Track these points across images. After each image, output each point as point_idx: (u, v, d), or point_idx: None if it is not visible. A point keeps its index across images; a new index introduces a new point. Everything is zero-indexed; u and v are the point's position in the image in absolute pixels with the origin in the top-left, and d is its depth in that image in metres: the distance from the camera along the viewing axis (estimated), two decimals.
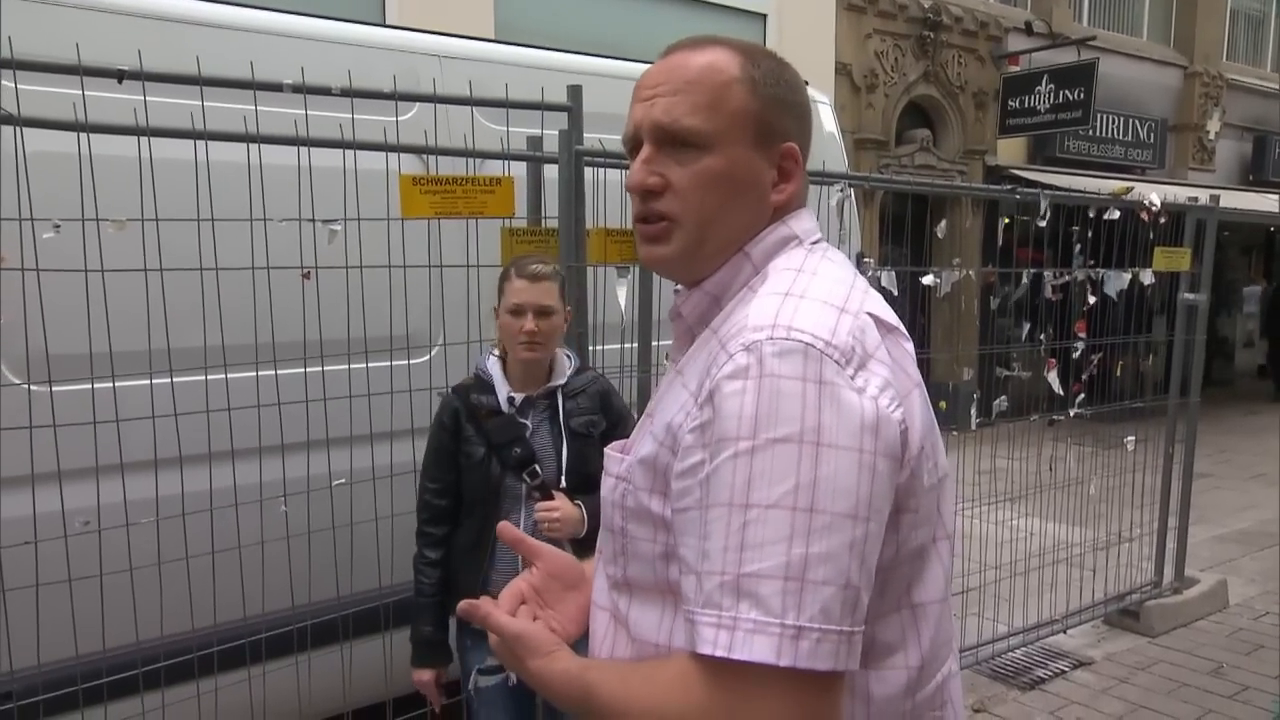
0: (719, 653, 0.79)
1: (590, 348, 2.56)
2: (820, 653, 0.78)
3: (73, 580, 1.96)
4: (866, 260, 3.53)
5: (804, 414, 0.81)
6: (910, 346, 0.97)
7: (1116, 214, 3.92)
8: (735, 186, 0.96)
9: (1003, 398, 3.83)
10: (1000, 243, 3.77)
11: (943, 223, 3.73)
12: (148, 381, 2.09)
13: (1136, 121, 10.83)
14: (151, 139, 1.95)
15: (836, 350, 0.84)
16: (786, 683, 0.78)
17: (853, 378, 0.84)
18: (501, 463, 2.08)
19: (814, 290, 0.90)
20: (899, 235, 7.36)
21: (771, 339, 0.84)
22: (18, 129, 1.82)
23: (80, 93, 1.83)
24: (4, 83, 1.85)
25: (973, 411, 3.70)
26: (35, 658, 1.94)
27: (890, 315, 0.96)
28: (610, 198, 2.57)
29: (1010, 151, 10.07)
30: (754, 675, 0.78)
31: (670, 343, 1.09)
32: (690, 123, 0.94)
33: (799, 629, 0.78)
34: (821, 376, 0.82)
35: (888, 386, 0.86)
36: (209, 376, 2.16)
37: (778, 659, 0.77)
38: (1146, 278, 4.06)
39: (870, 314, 0.91)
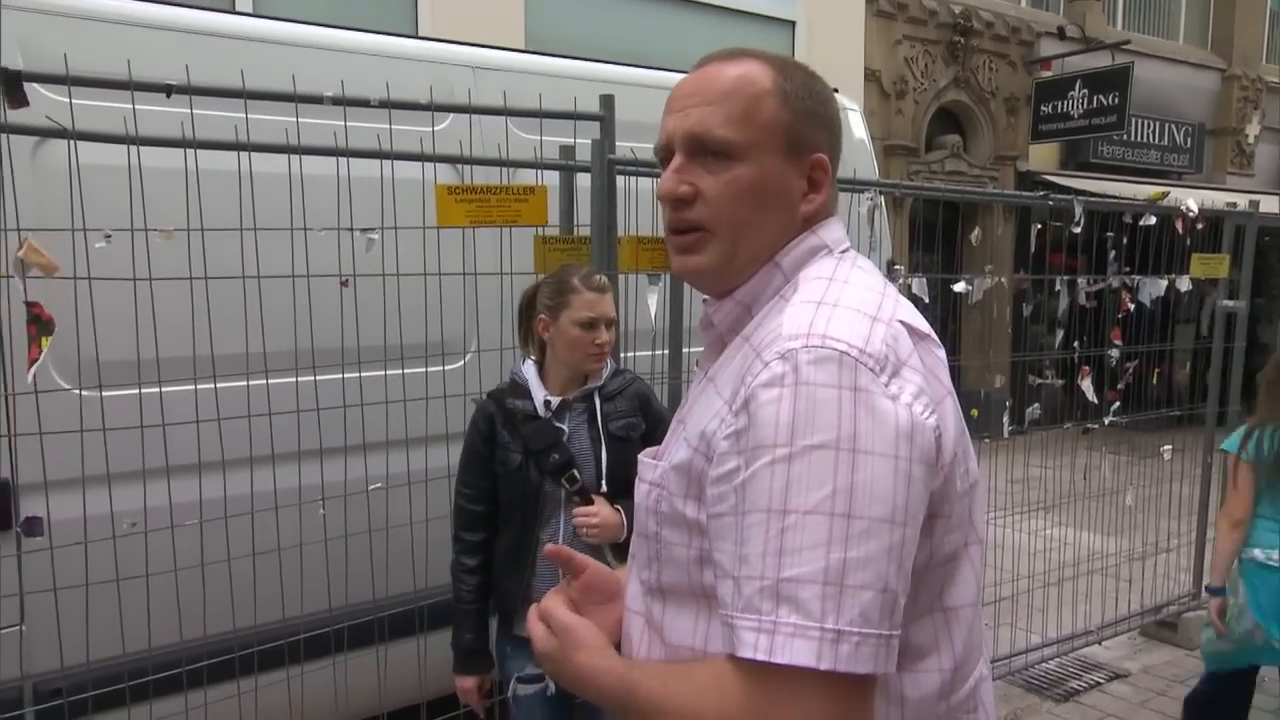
0: (759, 656, 0.80)
1: (622, 354, 2.58)
2: (860, 656, 0.79)
3: (121, 580, 2.02)
4: (897, 267, 3.52)
5: (840, 421, 0.82)
6: (942, 353, 0.98)
7: (1152, 220, 3.88)
8: (765, 196, 0.97)
9: (1035, 405, 3.80)
10: (1033, 249, 3.74)
11: (976, 230, 3.71)
12: (192, 387, 2.14)
13: (1173, 126, 10.66)
14: (197, 151, 2.00)
15: (870, 358, 0.85)
16: (825, 685, 0.79)
17: (887, 385, 0.85)
18: (539, 469, 2.07)
19: (847, 298, 0.91)
20: (929, 242, 7.31)
21: (807, 347, 0.85)
22: (71, 142, 1.89)
23: (131, 107, 1.89)
24: (59, 98, 1.92)
25: (1005, 419, 3.68)
26: (85, 655, 2.00)
27: (921, 323, 0.97)
28: (642, 206, 2.60)
29: (1042, 157, 9.96)
30: (793, 678, 0.80)
31: (700, 350, 1.11)
32: (723, 133, 0.95)
33: (839, 633, 0.79)
34: (856, 384, 0.83)
35: (921, 393, 0.87)
36: (250, 382, 2.21)
37: (818, 662, 0.78)
38: (1183, 284, 4.01)
39: (902, 321, 0.92)
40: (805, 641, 0.79)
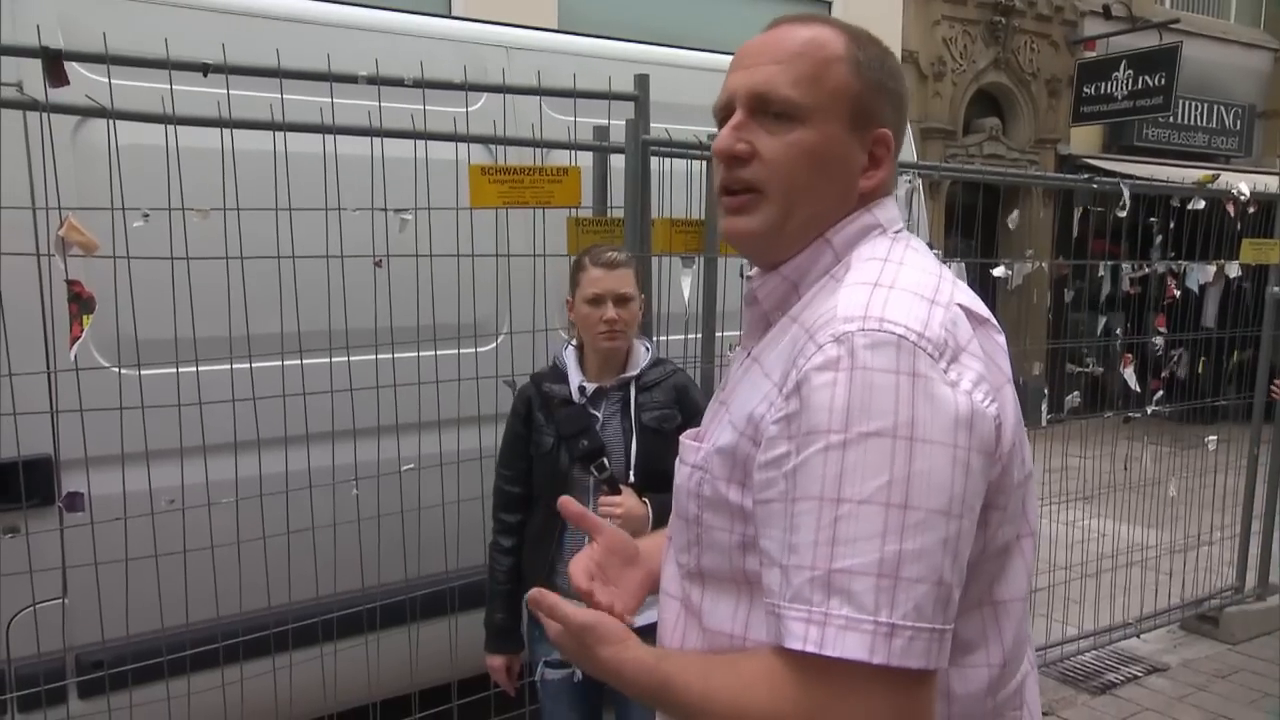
0: (810, 648, 0.78)
1: (654, 338, 2.56)
2: (913, 650, 0.77)
3: (159, 556, 2.05)
4: (935, 252, 3.45)
5: (897, 408, 0.79)
6: (1002, 339, 0.94)
7: (1201, 204, 3.77)
8: (824, 164, 0.94)
9: (1075, 393, 3.72)
10: (1076, 234, 3.65)
11: (1014, 213, 3.63)
12: (228, 366, 2.16)
13: (1222, 108, 10.36)
14: (234, 131, 2.01)
15: (929, 343, 0.82)
16: (879, 680, 0.77)
17: (946, 371, 0.82)
18: (569, 454, 2.06)
19: (903, 281, 0.88)
20: (966, 227, 7.18)
21: (863, 330, 0.82)
22: (110, 122, 1.90)
23: (169, 86, 1.89)
24: (98, 78, 1.93)
25: (1043, 407, 3.61)
26: (125, 629, 2.03)
27: (980, 307, 0.93)
28: (676, 187, 2.57)
29: (1084, 140, 9.74)
30: (845, 672, 0.77)
31: (737, 333, 1.08)
32: (789, 93, 0.92)
33: (892, 626, 0.76)
34: (915, 369, 0.80)
35: (981, 380, 0.84)
36: (285, 362, 2.23)
37: (871, 656, 0.76)
38: (1232, 270, 3.90)
39: (960, 305, 0.89)
40: (858, 635, 0.76)
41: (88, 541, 1.97)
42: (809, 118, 0.92)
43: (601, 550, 1.09)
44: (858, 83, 0.94)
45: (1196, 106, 10.09)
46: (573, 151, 2.47)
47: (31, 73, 1.86)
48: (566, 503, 1.11)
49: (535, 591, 0.96)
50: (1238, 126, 10.53)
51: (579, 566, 1.06)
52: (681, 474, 1.00)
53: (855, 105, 0.94)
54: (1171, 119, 9.54)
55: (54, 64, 1.80)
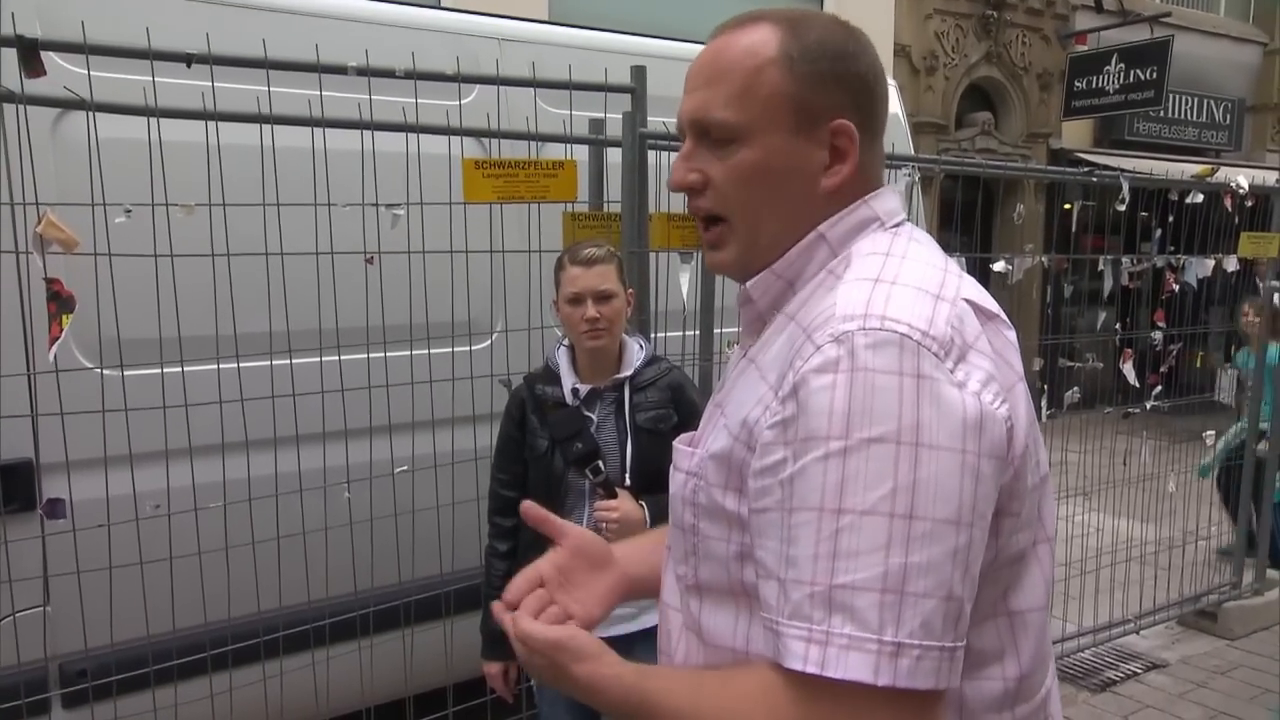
0: (810, 669, 0.73)
1: (652, 335, 2.51)
2: (921, 670, 0.73)
3: (144, 563, 1.99)
4: None
5: (901, 411, 0.74)
6: (1012, 335, 0.89)
7: (1200, 198, 3.75)
8: (773, 178, 0.90)
9: (1074, 389, 3.69)
10: (1074, 228, 3.63)
11: (1020, 208, 3.61)
12: (215, 366, 2.10)
13: (1212, 102, 10.38)
14: (219, 124, 1.94)
15: (934, 341, 0.78)
16: (884, 703, 0.73)
17: (952, 371, 0.77)
18: (564, 457, 2.02)
19: (906, 275, 0.83)
20: (957, 222, 7.15)
21: (864, 329, 0.77)
22: (90, 114, 1.83)
23: (151, 79, 1.83)
24: (77, 70, 1.86)
25: (1044, 403, 3.58)
26: (109, 637, 1.97)
27: (989, 301, 0.88)
28: None
29: (1075, 134, 9.74)
30: (848, 694, 0.73)
31: (737, 329, 1.04)
32: (721, 115, 0.89)
33: (898, 645, 0.72)
34: (919, 370, 0.76)
35: (990, 380, 0.80)
36: (274, 362, 2.17)
37: (875, 678, 0.72)
38: (1230, 264, 3.88)
39: (967, 300, 0.84)
40: (861, 655, 0.72)
41: (70, 548, 1.91)
42: (747, 136, 0.89)
43: (566, 553, 1.03)
44: (792, 83, 0.88)
45: (1186, 100, 10.11)
46: (568, 145, 2.42)
47: (7, 63, 1.79)
48: (528, 508, 1.06)
49: (495, 606, 0.93)
50: (1227, 120, 10.56)
51: (527, 575, 0.99)
52: (676, 481, 0.96)
53: (795, 108, 0.89)
54: (1162, 113, 9.55)
55: (30, 54, 1.73)
